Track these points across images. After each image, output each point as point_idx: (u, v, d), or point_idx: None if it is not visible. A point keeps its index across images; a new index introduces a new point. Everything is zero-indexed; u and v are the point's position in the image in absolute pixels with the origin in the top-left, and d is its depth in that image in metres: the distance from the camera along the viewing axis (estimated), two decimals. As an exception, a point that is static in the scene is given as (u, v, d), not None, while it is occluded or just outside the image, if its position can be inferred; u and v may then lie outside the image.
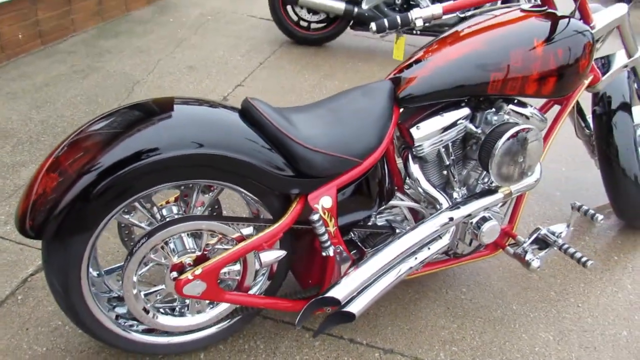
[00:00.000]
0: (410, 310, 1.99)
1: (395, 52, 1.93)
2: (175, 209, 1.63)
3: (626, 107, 2.30)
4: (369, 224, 1.76)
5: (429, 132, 1.67)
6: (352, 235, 1.77)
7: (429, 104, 1.69)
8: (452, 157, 1.77)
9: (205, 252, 1.51)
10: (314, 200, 1.51)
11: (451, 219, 1.68)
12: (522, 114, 1.80)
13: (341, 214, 1.60)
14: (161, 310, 1.64)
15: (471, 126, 1.73)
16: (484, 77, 1.64)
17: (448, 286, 2.13)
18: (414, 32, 4.22)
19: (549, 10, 1.77)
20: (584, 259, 1.85)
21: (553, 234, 1.93)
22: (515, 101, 1.80)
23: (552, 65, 1.68)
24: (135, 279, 1.47)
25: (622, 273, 2.31)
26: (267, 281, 1.71)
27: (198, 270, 1.44)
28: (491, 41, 1.67)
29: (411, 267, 1.66)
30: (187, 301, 1.63)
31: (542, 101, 2.04)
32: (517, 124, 1.68)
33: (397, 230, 1.78)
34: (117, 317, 1.58)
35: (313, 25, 4.49)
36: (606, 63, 2.17)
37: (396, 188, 1.78)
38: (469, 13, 1.84)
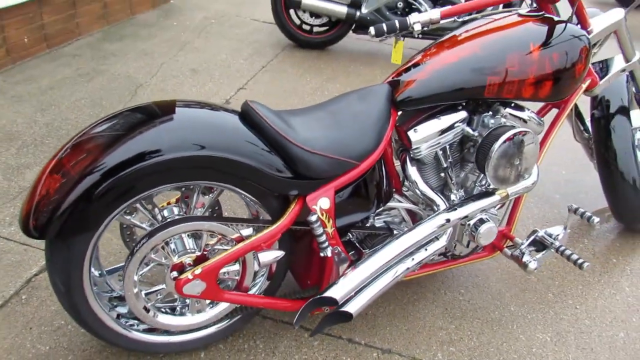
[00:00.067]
0: (408, 311, 2.02)
1: (394, 55, 1.95)
2: (176, 210, 1.66)
3: (624, 111, 2.32)
4: (367, 225, 1.78)
5: (426, 135, 1.70)
6: (351, 236, 1.79)
7: (427, 107, 1.72)
8: (449, 160, 1.79)
9: (205, 252, 1.54)
10: (312, 202, 1.54)
11: (448, 220, 1.70)
12: (519, 117, 1.82)
13: (339, 215, 1.63)
14: (162, 309, 1.67)
15: (468, 129, 1.76)
16: (480, 81, 1.66)
17: (446, 287, 2.15)
18: (417, 35, 4.25)
19: (546, 15, 1.79)
20: (580, 261, 1.87)
21: (550, 236, 1.95)
22: (513, 104, 1.82)
23: (548, 69, 1.70)
24: (136, 278, 1.50)
25: (621, 275, 2.32)
26: (266, 281, 1.73)
27: (198, 270, 1.47)
28: (488, 45, 1.70)
29: (408, 268, 1.68)
30: (188, 301, 1.66)
31: (540, 105, 2.06)
32: (513, 127, 1.71)
33: (395, 232, 1.80)
34: (119, 316, 1.61)
35: (315, 29, 4.53)
36: (604, 67, 2.19)
37: (394, 190, 1.80)
38: (467, 18, 1.86)
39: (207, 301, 1.67)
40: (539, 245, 1.97)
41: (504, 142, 1.66)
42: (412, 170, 1.75)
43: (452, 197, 1.84)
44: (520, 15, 1.80)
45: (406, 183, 1.82)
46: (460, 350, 1.88)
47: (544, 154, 1.98)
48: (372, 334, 1.91)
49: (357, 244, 1.78)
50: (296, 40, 4.50)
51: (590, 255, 2.43)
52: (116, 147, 1.34)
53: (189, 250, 1.53)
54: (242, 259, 1.60)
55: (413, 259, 1.70)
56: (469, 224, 1.82)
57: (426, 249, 1.72)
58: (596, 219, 1.93)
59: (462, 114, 1.74)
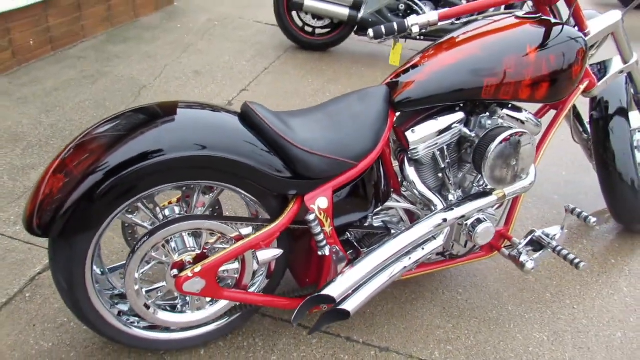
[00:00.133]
0: (406, 310, 2.04)
1: (392, 57, 1.97)
2: (177, 210, 1.69)
3: (623, 112, 2.33)
4: (365, 224, 1.80)
5: (423, 136, 1.72)
6: (349, 235, 1.82)
7: (425, 108, 1.74)
8: (447, 160, 1.81)
9: (205, 251, 1.57)
10: (310, 201, 1.56)
11: (445, 220, 1.72)
12: (516, 119, 1.84)
13: (337, 215, 1.65)
14: (163, 307, 1.70)
15: (466, 130, 1.78)
16: (477, 82, 1.68)
17: (445, 287, 2.17)
18: (419, 37, 4.28)
19: (544, 17, 1.81)
20: (576, 261, 1.88)
21: (547, 236, 1.96)
22: (510, 106, 1.84)
23: (545, 71, 1.72)
24: (137, 275, 1.53)
25: (619, 276, 2.34)
26: (265, 280, 1.76)
27: (197, 268, 1.49)
28: (485, 47, 1.72)
29: (405, 267, 1.70)
30: (188, 299, 1.69)
31: (538, 106, 2.08)
32: (510, 128, 1.73)
33: (393, 231, 1.82)
34: (120, 313, 1.64)
35: (318, 31, 4.56)
36: (602, 68, 2.21)
37: (392, 190, 1.83)
38: (465, 20, 1.89)
39: (207, 299, 1.70)
40: (536, 245, 1.98)
41: (501, 142, 1.68)
42: (410, 171, 1.77)
43: (450, 197, 1.86)
44: (517, 17, 1.82)
45: (404, 183, 1.84)
46: (458, 348, 1.90)
47: (541, 154, 1.99)
48: (370, 332, 1.93)
49: (355, 243, 1.80)
50: (298, 42, 4.54)
51: (589, 256, 2.44)
52: (118, 147, 1.37)
53: (189, 249, 1.55)
54: (242, 257, 1.63)
55: (410, 258, 1.72)
56: (466, 224, 1.84)
57: (423, 248, 1.74)
58: (593, 219, 1.95)
59: (460, 115, 1.76)
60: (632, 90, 2.40)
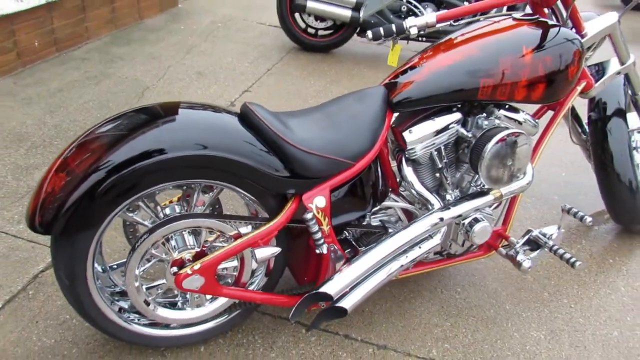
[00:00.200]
0: (404, 309, 2.06)
1: (390, 58, 1.99)
2: (177, 208, 1.71)
3: (621, 113, 2.35)
4: (364, 223, 1.82)
5: (421, 136, 1.74)
6: (347, 234, 1.84)
7: (422, 108, 1.76)
8: (444, 160, 1.83)
9: (204, 249, 1.59)
10: (308, 200, 1.59)
11: (441, 219, 1.74)
12: (513, 119, 1.85)
13: (335, 214, 1.67)
14: (163, 304, 1.72)
15: (463, 130, 1.80)
16: (473, 83, 1.70)
17: (443, 286, 2.19)
18: (420, 39, 4.30)
19: (541, 19, 1.83)
20: (572, 260, 1.90)
21: (544, 235, 1.98)
22: (507, 106, 1.86)
23: (541, 72, 1.74)
24: (137, 272, 1.56)
25: (617, 276, 2.35)
26: (264, 277, 1.78)
27: (197, 265, 1.52)
28: (481, 48, 1.74)
29: (402, 265, 1.73)
30: (188, 296, 1.71)
31: (536, 107, 2.10)
32: (507, 128, 1.74)
33: (390, 231, 1.84)
34: (121, 310, 1.66)
35: (320, 32, 4.59)
36: (600, 70, 2.23)
37: (391, 190, 1.85)
38: (463, 22, 1.91)
39: (207, 296, 1.72)
40: (533, 244, 2.00)
41: (497, 142, 1.70)
42: (408, 171, 1.79)
43: (448, 197, 1.88)
44: (515, 19, 1.84)
45: (402, 183, 1.87)
46: (455, 347, 1.92)
47: (539, 155, 2.01)
48: (368, 330, 1.95)
49: (353, 242, 1.83)
50: (301, 43, 4.57)
51: (587, 256, 2.46)
52: (119, 146, 1.40)
53: (188, 247, 1.58)
54: (240, 255, 1.66)
55: (407, 256, 1.74)
56: (463, 223, 1.86)
57: (420, 247, 1.76)
58: (589, 219, 1.96)
59: (457, 116, 1.78)
60: (629, 92, 2.41)
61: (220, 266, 1.62)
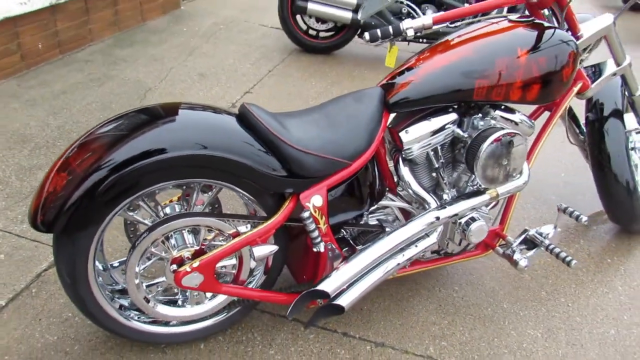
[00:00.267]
0: (402, 307, 2.08)
1: (388, 59, 2.03)
2: (177, 208, 1.74)
3: (618, 114, 2.36)
4: (361, 222, 1.85)
5: (417, 136, 1.76)
6: (345, 233, 1.86)
7: (419, 109, 1.79)
8: (441, 160, 1.85)
9: (203, 247, 1.62)
10: (305, 199, 1.61)
11: (437, 218, 1.76)
12: (509, 120, 1.88)
13: (332, 213, 1.70)
14: (164, 302, 1.75)
15: (459, 130, 1.82)
16: (469, 84, 1.72)
17: (441, 285, 2.21)
18: (421, 40, 4.32)
19: (536, 21, 1.85)
20: (568, 259, 1.92)
21: (541, 234, 2.00)
22: (503, 107, 1.88)
23: (536, 73, 1.76)
24: (137, 269, 1.59)
25: (614, 275, 2.36)
26: (263, 275, 1.81)
27: (196, 263, 1.55)
28: (477, 50, 1.76)
29: (399, 264, 1.75)
30: (188, 294, 1.74)
31: (532, 107, 2.12)
32: (502, 128, 1.77)
33: (387, 229, 1.86)
34: (122, 307, 1.69)
35: (321, 34, 4.61)
36: (597, 71, 2.25)
37: (388, 189, 1.87)
38: (459, 23, 1.93)
39: (207, 294, 1.75)
40: (530, 243, 2.02)
41: (492, 142, 1.72)
42: (405, 170, 1.82)
43: (445, 196, 1.90)
44: (511, 20, 1.86)
45: (400, 183, 1.89)
46: (452, 344, 1.94)
47: (535, 155, 2.03)
48: (366, 328, 1.97)
49: (351, 241, 1.85)
50: (302, 45, 4.59)
51: (585, 256, 2.47)
52: (119, 146, 1.43)
53: (187, 245, 1.61)
54: (239, 253, 1.68)
55: (404, 255, 1.76)
56: (460, 223, 1.88)
57: (416, 246, 1.78)
58: (584, 218, 1.98)
59: (453, 116, 1.81)
60: (627, 93, 2.43)
61: (219, 264, 1.65)
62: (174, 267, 1.58)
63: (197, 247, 1.61)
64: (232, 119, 1.59)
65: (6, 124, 3.11)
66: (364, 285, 1.69)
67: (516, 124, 1.88)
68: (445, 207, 1.79)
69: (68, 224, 1.42)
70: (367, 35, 1.79)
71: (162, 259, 1.65)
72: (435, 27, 1.79)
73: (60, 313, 1.92)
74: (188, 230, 1.64)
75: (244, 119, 1.59)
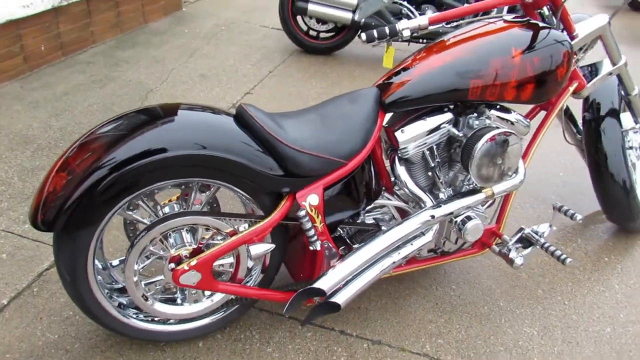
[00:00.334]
0: (400, 305, 2.10)
1: (385, 60, 2.04)
2: (176, 207, 1.77)
3: (614, 114, 2.38)
4: (358, 221, 1.87)
5: (413, 136, 1.78)
6: (341, 232, 1.88)
7: (414, 108, 1.81)
8: (437, 160, 1.87)
9: (201, 245, 1.64)
10: (301, 198, 1.63)
11: (433, 216, 1.78)
12: (505, 119, 1.89)
13: (328, 211, 1.72)
14: (163, 300, 1.77)
15: (454, 130, 1.84)
16: (463, 84, 1.74)
17: (438, 283, 2.23)
18: (421, 40, 4.34)
19: (531, 21, 1.87)
20: (563, 257, 1.94)
21: (536, 233, 2.02)
22: (498, 107, 1.89)
23: (530, 73, 1.78)
24: (136, 267, 1.61)
25: (611, 274, 2.38)
26: (260, 274, 1.83)
27: (193, 262, 1.57)
28: (472, 50, 1.78)
29: (394, 262, 1.77)
30: (186, 292, 1.76)
31: (528, 107, 2.14)
32: (497, 128, 1.78)
33: (384, 228, 1.88)
34: (121, 305, 1.72)
35: (322, 35, 4.64)
36: (593, 70, 2.26)
37: (385, 188, 1.89)
38: (455, 24, 1.95)
39: (206, 292, 1.77)
40: (526, 242, 2.04)
41: (486, 142, 1.74)
42: (401, 170, 1.84)
43: (441, 195, 1.92)
44: (506, 21, 1.88)
45: (396, 182, 1.91)
46: (448, 342, 1.96)
47: (532, 154, 2.05)
48: (363, 326, 1.99)
49: (347, 240, 1.87)
50: (303, 46, 4.62)
51: (582, 254, 2.49)
52: (118, 146, 1.45)
53: (185, 244, 1.63)
54: (236, 252, 1.71)
55: (399, 253, 1.78)
56: (456, 221, 1.89)
57: (412, 244, 1.80)
58: (579, 216, 2.00)
59: (448, 116, 1.83)
60: (622, 92, 2.44)
61: (217, 263, 1.67)
62: (172, 265, 1.60)
63: (195, 246, 1.63)
64: (230, 119, 1.61)
65: (9, 126, 3.14)
66: (360, 283, 1.71)
67: (512, 123, 1.90)
68: (441, 206, 1.81)
69: (68, 222, 1.44)
70: (363, 35, 1.81)
71: (160, 257, 1.67)
72: (431, 28, 1.81)
73: (61, 312, 1.94)
74: (186, 229, 1.67)
75: (241, 119, 1.61)
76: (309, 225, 1.65)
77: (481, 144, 1.73)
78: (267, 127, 1.58)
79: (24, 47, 3.75)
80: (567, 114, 2.50)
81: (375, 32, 1.81)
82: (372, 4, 3.96)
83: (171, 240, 1.64)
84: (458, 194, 1.88)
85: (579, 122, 2.52)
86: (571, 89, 2.08)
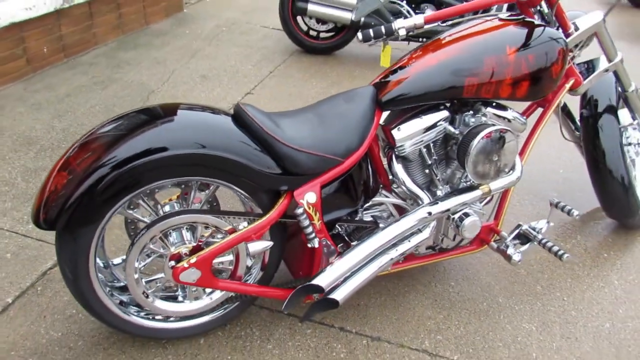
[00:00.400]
0: (399, 302, 2.12)
1: (382, 59, 2.06)
2: (176, 206, 1.79)
3: (612, 110, 2.39)
4: (356, 219, 1.89)
5: (409, 133, 1.80)
6: (340, 229, 1.90)
7: (411, 107, 1.82)
8: (434, 157, 1.89)
9: (200, 243, 1.67)
10: (299, 196, 1.65)
11: (430, 213, 1.80)
12: (501, 117, 1.91)
13: (326, 209, 1.74)
14: (164, 298, 1.80)
15: (450, 128, 1.85)
16: (459, 82, 1.76)
17: (437, 280, 2.24)
18: (420, 39, 4.35)
19: (526, 19, 1.89)
20: (560, 252, 1.95)
21: (534, 229, 2.03)
22: (494, 104, 1.91)
23: (525, 70, 1.79)
24: (136, 265, 1.64)
25: (611, 270, 2.39)
26: (260, 271, 1.85)
27: (193, 259, 1.60)
28: (467, 48, 1.80)
29: (392, 259, 1.79)
30: (187, 290, 1.79)
31: (525, 104, 2.15)
32: (493, 125, 1.80)
33: (381, 226, 1.90)
34: (122, 303, 1.74)
35: (322, 35, 4.66)
36: (590, 67, 2.27)
37: (383, 186, 1.91)
38: (450, 22, 1.97)
39: (206, 290, 1.79)
40: (523, 238, 2.06)
41: (482, 139, 1.75)
42: (398, 167, 1.85)
43: (438, 192, 1.94)
44: (501, 19, 1.90)
45: (394, 179, 1.92)
46: (447, 338, 1.98)
47: (529, 151, 2.06)
48: (362, 323, 2.01)
49: (345, 237, 1.89)
50: (303, 46, 4.64)
51: (582, 250, 2.50)
52: (118, 145, 1.48)
53: (185, 242, 1.65)
54: (236, 250, 1.73)
55: (397, 250, 1.80)
56: (453, 218, 1.91)
57: (410, 241, 1.82)
58: (576, 212, 2.02)
59: (444, 114, 1.84)
60: (619, 89, 2.45)
61: (216, 260, 1.69)
62: (172, 263, 1.63)
63: (195, 244, 1.66)
64: (228, 119, 1.64)
65: (13, 127, 3.18)
66: (358, 280, 1.73)
67: (508, 120, 1.91)
68: (438, 203, 1.83)
69: (69, 221, 1.47)
70: (359, 35, 1.84)
71: (161, 255, 1.69)
72: (427, 27, 1.83)
73: (64, 310, 1.97)
74: (186, 228, 1.69)
75: (239, 118, 1.64)
76: (306, 222, 1.67)
77: (477, 141, 1.75)
78: (264, 126, 1.60)
79: (26, 49, 3.79)
80: (565, 111, 2.51)
81: (371, 32, 1.83)
82: (368, 4, 3.98)
83: (171, 238, 1.67)
84: (455, 191, 1.90)
85: (577, 118, 2.54)
86: (567, 86, 2.10)
